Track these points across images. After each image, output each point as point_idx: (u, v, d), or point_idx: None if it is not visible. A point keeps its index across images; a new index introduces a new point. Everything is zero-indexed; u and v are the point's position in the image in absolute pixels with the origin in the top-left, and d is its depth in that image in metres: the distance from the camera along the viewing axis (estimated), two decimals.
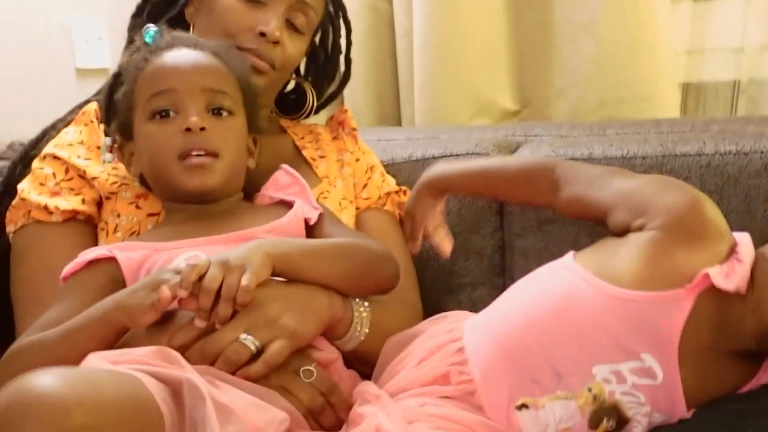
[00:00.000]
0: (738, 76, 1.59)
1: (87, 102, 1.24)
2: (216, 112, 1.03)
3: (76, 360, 0.81)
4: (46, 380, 0.68)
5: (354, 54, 1.74)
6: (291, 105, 1.34)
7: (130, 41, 1.15)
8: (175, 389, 0.76)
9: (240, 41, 1.13)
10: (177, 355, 0.83)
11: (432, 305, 1.29)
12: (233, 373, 0.86)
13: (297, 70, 1.31)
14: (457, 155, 1.32)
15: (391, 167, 1.35)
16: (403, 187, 1.31)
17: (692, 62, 1.64)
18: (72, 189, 1.12)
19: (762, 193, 1.11)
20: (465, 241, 1.32)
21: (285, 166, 1.14)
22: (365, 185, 1.26)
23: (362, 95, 1.82)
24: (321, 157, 1.26)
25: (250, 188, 1.14)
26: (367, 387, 0.94)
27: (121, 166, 1.11)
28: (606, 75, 1.58)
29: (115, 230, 1.09)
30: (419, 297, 1.23)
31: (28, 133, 1.26)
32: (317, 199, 1.13)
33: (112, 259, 0.99)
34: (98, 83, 1.16)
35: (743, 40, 1.57)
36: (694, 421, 0.85)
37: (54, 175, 1.12)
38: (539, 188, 1.09)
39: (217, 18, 1.15)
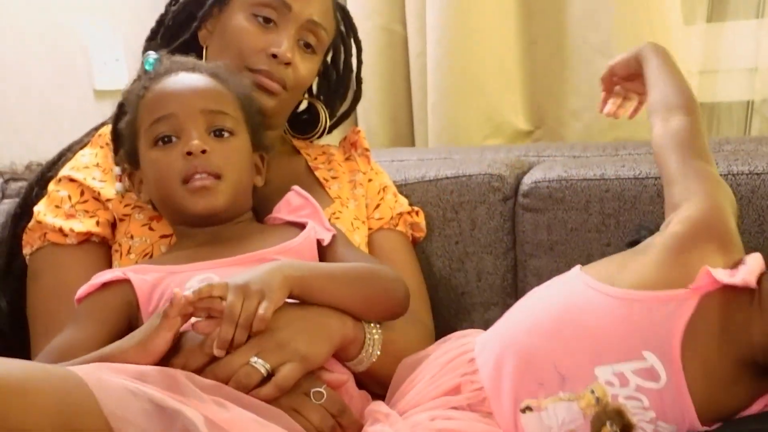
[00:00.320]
0: (751, 96, 1.58)
1: (103, 124, 1.25)
2: (217, 133, 1.04)
3: None
4: None
5: (368, 75, 1.76)
6: (304, 125, 1.35)
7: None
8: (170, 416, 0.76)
9: (252, 63, 1.15)
10: (182, 380, 0.82)
11: (445, 326, 1.29)
12: None
13: (309, 90, 1.32)
14: (469, 176, 1.33)
15: (404, 187, 1.36)
16: (416, 208, 1.32)
17: (706, 82, 1.63)
18: (87, 211, 1.13)
19: None
20: (478, 262, 1.32)
21: (296, 187, 1.15)
22: (378, 206, 1.27)
23: (376, 116, 1.83)
24: (333, 177, 1.27)
25: (262, 209, 1.15)
26: (379, 407, 0.94)
27: (134, 193, 1.12)
28: None
29: (129, 252, 1.10)
30: (431, 317, 1.23)
31: (47, 153, 1.28)
32: (329, 220, 1.14)
33: (126, 281, 1.00)
34: (116, 104, 1.18)
35: (756, 60, 1.57)
36: None
37: (69, 197, 1.14)
38: None
39: (229, 40, 1.16)
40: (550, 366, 0.87)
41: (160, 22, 1.25)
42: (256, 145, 1.10)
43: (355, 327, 0.99)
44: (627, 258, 0.94)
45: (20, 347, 1.09)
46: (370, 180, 1.29)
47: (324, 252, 1.08)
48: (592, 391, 0.85)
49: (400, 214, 1.28)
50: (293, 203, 1.13)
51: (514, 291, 1.31)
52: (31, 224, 1.14)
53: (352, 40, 1.32)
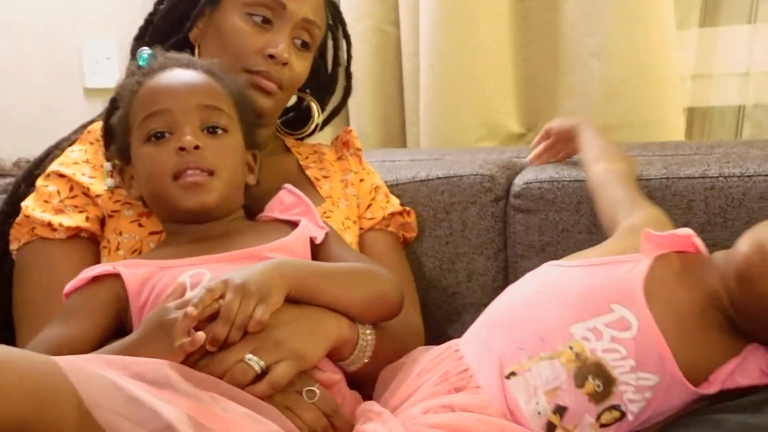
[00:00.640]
0: (743, 101, 1.59)
1: (92, 122, 1.24)
2: (211, 130, 1.04)
3: None
4: None
5: (360, 75, 1.77)
6: (294, 121, 1.34)
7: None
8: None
9: (249, 64, 1.14)
10: (175, 376, 0.82)
11: (435, 326, 1.29)
12: None
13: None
14: (461, 176, 1.33)
15: (395, 187, 1.35)
16: (407, 208, 1.32)
17: (698, 87, 1.64)
18: (76, 206, 1.12)
19: (765, 216, 1.10)
20: (468, 263, 1.32)
21: (288, 186, 1.14)
22: (369, 205, 1.27)
23: (368, 117, 1.83)
24: (325, 177, 1.27)
25: (254, 208, 1.14)
26: (371, 406, 0.93)
27: (124, 189, 1.11)
28: (613, 99, 1.58)
29: (117, 248, 1.09)
30: (421, 319, 1.23)
31: (36, 151, 1.27)
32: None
33: (116, 276, 0.99)
34: (107, 103, 1.17)
35: (749, 65, 1.58)
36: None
37: (58, 192, 1.13)
38: None
39: (224, 40, 1.16)
40: (530, 332, 0.92)
41: (149, 21, 1.24)
42: (249, 143, 1.10)
43: (350, 327, 0.98)
44: (588, 248, 1.04)
45: (5, 339, 1.08)
46: (361, 180, 1.29)
47: (317, 250, 1.07)
48: (571, 347, 0.89)
49: (392, 215, 1.28)
50: (286, 201, 1.13)
51: None
52: (19, 219, 1.13)
53: (341, 34, 1.32)
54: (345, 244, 1.13)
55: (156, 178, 1.02)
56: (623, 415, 0.87)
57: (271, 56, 1.14)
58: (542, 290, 0.97)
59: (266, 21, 1.16)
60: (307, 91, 1.30)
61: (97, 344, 0.93)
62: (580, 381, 0.87)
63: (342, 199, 1.25)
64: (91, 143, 1.19)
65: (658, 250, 0.95)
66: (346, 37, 1.33)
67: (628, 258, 0.95)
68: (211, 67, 1.08)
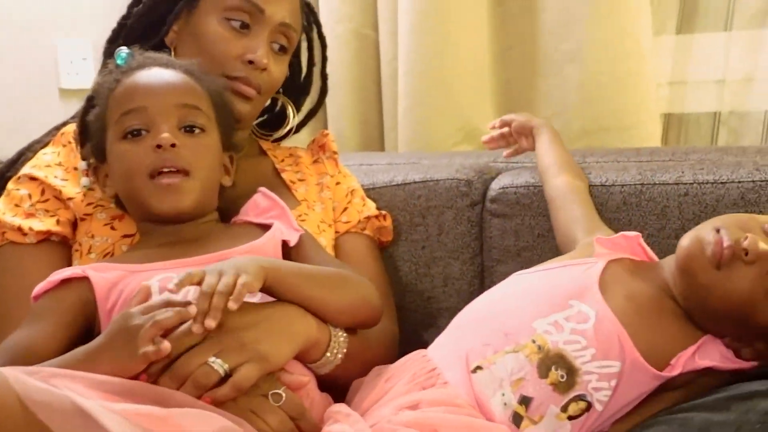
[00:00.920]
0: (719, 107, 1.60)
1: (65, 124, 1.23)
2: (188, 129, 1.03)
3: None
4: None
5: (340, 79, 1.77)
6: (270, 122, 1.34)
7: (105, 67, 1.15)
8: None
9: (228, 70, 1.14)
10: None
11: (411, 330, 1.29)
12: (200, 396, 0.85)
13: None
14: (437, 180, 1.33)
15: (372, 191, 1.35)
16: (383, 212, 1.31)
17: (674, 93, 1.65)
18: (47, 210, 1.11)
19: None
20: (444, 267, 1.32)
21: (263, 189, 1.13)
22: (345, 209, 1.26)
23: (346, 121, 1.82)
24: (300, 180, 1.26)
25: (229, 210, 1.13)
26: (339, 408, 0.93)
27: (98, 188, 1.10)
28: (590, 105, 1.59)
29: (89, 251, 1.08)
30: (396, 322, 1.23)
31: (10, 152, 1.26)
32: None
33: (84, 279, 0.98)
34: (83, 103, 1.16)
35: (724, 72, 1.59)
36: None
37: (29, 196, 1.12)
38: None
39: (202, 46, 1.15)
40: (495, 329, 0.95)
41: (122, 24, 1.23)
42: (226, 144, 1.09)
43: (320, 329, 0.98)
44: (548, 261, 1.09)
45: None
46: (337, 183, 1.29)
47: (291, 253, 1.07)
48: (533, 341, 0.92)
49: (368, 218, 1.28)
50: (261, 205, 1.12)
51: None
52: None
53: (317, 35, 1.32)
54: (320, 248, 1.12)
55: (131, 175, 1.01)
56: (590, 405, 0.90)
57: (250, 62, 1.14)
58: (506, 294, 1.02)
59: (244, 26, 1.15)
60: (280, 91, 1.28)
61: (63, 347, 0.92)
62: (543, 372, 0.90)
63: (317, 202, 1.24)
64: (64, 145, 1.18)
65: (612, 254, 1.01)
66: (322, 38, 1.33)
67: (584, 261, 1.01)
68: (190, 67, 1.08)
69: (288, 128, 1.32)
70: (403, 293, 1.33)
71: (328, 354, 0.98)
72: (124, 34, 1.21)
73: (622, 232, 1.06)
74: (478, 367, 0.92)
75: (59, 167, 1.15)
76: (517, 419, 0.90)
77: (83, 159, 1.12)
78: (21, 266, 1.09)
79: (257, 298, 0.98)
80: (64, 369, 0.82)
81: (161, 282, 0.95)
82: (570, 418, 0.90)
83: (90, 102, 1.10)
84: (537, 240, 1.25)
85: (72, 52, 1.74)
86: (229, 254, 1.00)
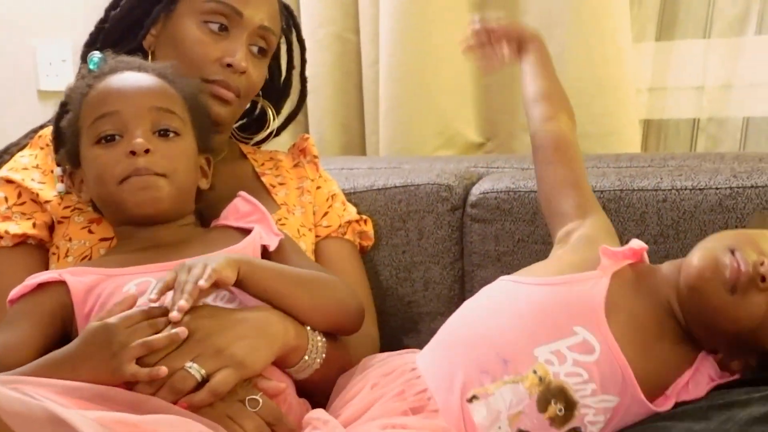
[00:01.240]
0: (698, 114, 1.61)
1: (42, 126, 1.22)
2: (163, 133, 1.02)
3: None
4: None
5: (321, 82, 1.76)
6: (249, 126, 1.34)
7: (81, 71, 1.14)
8: None
9: (207, 73, 1.13)
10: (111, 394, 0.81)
11: (391, 335, 1.29)
12: (176, 401, 0.85)
13: None
14: (418, 185, 1.33)
15: (352, 195, 1.35)
16: (364, 216, 1.31)
17: (654, 100, 1.66)
18: (24, 213, 1.10)
19: (717, 229, 1.12)
20: (425, 272, 1.32)
21: (243, 193, 1.13)
22: (326, 213, 1.26)
23: (328, 125, 1.82)
24: (281, 184, 1.26)
25: (208, 214, 1.13)
26: (318, 414, 0.92)
27: (74, 193, 1.09)
28: None
29: (66, 255, 1.07)
30: (377, 327, 1.23)
31: None
32: None
33: (61, 283, 0.97)
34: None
35: (703, 79, 1.60)
36: None
37: (6, 199, 1.11)
38: None
39: (180, 49, 1.14)
40: (491, 351, 0.90)
41: (100, 27, 1.22)
42: (202, 147, 1.09)
43: (298, 335, 0.97)
44: (542, 261, 1.03)
45: None
46: (318, 187, 1.28)
47: (270, 258, 1.06)
48: (534, 371, 0.87)
49: (348, 223, 1.27)
50: (241, 209, 1.12)
51: (461, 301, 1.27)
52: None
53: (296, 38, 1.31)
54: (301, 252, 1.12)
55: (105, 181, 1.00)
56: None
57: (229, 65, 1.14)
58: (501, 308, 0.95)
59: (222, 29, 1.14)
60: (260, 94, 1.28)
61: (39, 351, 0.92)
62: (542, 405, 0.87)
63: (298, 206, 1.24)
64: (42, 148, 1.17)
65: (615, 265, 0.95)
66: (301, 41, 1.32)
67: (587, 276, 0.94)
68: (164, 70, 1.07)
69: (268, 131, 1.32)
70: (384, 298, 1.33)
71: (306, 358, 0.97)
72: (101, 37, 1.20)
73: (630, 245, 0.98)
74: (474, 397, 0.88)
75: (36, 170, 1.14)
76: None
77: (58, 165, 1.11)
78: None
79: (235, 304, 0.98)
80: (35, 377, 0.81)
81: (139, 286, 0.95)
82: None
83: (63, 107, 1.09)
84: (517, 245, 1.25)
85: (51, 54, 1.72)
86: None
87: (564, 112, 1.14)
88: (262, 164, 1.29)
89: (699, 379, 0.92)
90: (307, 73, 1.36)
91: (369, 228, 1.32)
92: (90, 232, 1.09)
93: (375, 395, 0.93)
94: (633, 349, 0.89)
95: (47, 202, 1.11)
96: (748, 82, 1.56)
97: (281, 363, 0.96)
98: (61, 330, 0.97)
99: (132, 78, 1.05)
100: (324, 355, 0.99)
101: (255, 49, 1.18)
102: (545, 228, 1.23)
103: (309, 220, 1.24)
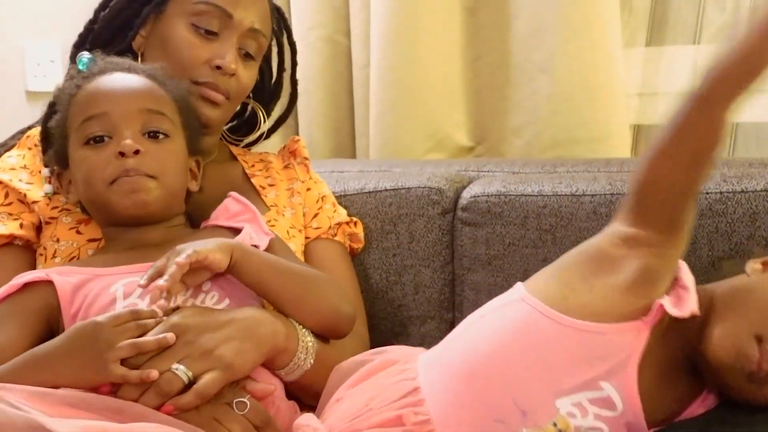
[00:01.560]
0: None
1: (30, 127, 1.21)
2: (152, 134, 1.02)
3: None
4: None
5: (311, 86, 1.76)
6: (240, 127, 1.33)
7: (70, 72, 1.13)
8: None
9: (196, 75, 1.13)
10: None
11: (381, 338, 1.28)
12: (163, 403, 0.84)
13: None
14: (409, 188, 1.32)
15: (342, 198, 1.34)
16: (354, 218, 1.31)
17: (644, 105, 1.66)
18: (10, 214, 1.09)
19: (706, 233, 1.13)
20: (415, 275, 1.31)
21: (233, 193, 1.12)
22: (316, 215, 1.25)
23: (318, 128, 1.81)
24: (270, 185, 1.25)
25: (198, 216, 1.12)
26: (308, 421, 0.91)
27: (62, 194, 1.09)
28: (560, 115, 1.59)
29: (54, 255, 1.06)
30: (366, 329, 1.23)
31: None
32: None
33: (48, 283, 0.97)
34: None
35: (693, 84, 1.60)
36: None
37: None
38: None
39: (170, 51, 1.14)
40: (509, 402, 0.85)
41: (89, 28, 1.21)
42: (192, 149, 1.08)
43: (288, 336, 0.97)
44: (571, 276, 0.92)
45: None
46: (308, 189, 1.28)
47: None
48: (555, 424, 0.84)
49: (339, 224, 1.27)
50: (231, 210, 1.11)
51: (452, 305, 1.31)
52: None
53: (287, 40, 1.31)
54: (291, 253, 1.12)
55: (94, 182, 0.99)
56: None
57: (218, 67, 1.13)
58: (521, 347, 0.88)
59: (212, 31, 1.14)
60: (250, 96, 1.27)
61: (25, 351, 0.90)
62: None
63: (288, 207, 1.23)
64: (30, 148, 1.16)
65: (659, 316, 0.87)
66: (292, 44, 1.32)
67: (628, 328, 0.86)
68: (153, 72, 1.06)
69: (259, 133, 1.31)
70: (374, 301, 1.32)
71: (296, 360, 0.97)
72: (91, 38, 1.19)
73: (688, 304, 0.87)
74: None
75: (24, 170, 1.13)
76: None
77: (46, 166, 1.10)
78: None
79: (224, 304, 0.97)
80: (18, 384, 0.80)
81: (126, 286, 0.94)
82: None
83: (52, 108, 1.08)
84: (507, 249, 1.25)
85: (40, 54, 1.72)
86: None
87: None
88: (252, 166, 1.28)
89: (708, 402, 0.90)
90: (298, 75, 1.36)
91: (359, 230, 1.31)
92: (78, 232, 1.08)
93: (369, 413, 0.89)
94: (651, 400, 0.85)
95: (35, 202, 1.10)
96: None
97: (270, 364, 0.95)
98: (48, 330, 0.96)
99: (121, 79, 1.04)
100: (314, 357, 0.98)
101: (245, 51, 1.17)
102: (536, 231, 1.23)
103: (299, 221, 1.23)
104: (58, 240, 1.07)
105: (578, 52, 1.56)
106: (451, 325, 1.30)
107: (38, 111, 1.25)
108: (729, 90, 0.88)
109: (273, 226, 1.17)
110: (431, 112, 1.69)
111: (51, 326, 0.96)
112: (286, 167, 1.30)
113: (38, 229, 1.10)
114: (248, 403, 0.89)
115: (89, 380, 0.84)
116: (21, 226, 1.08)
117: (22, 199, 1.10)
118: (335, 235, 1.26)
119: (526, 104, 1.64)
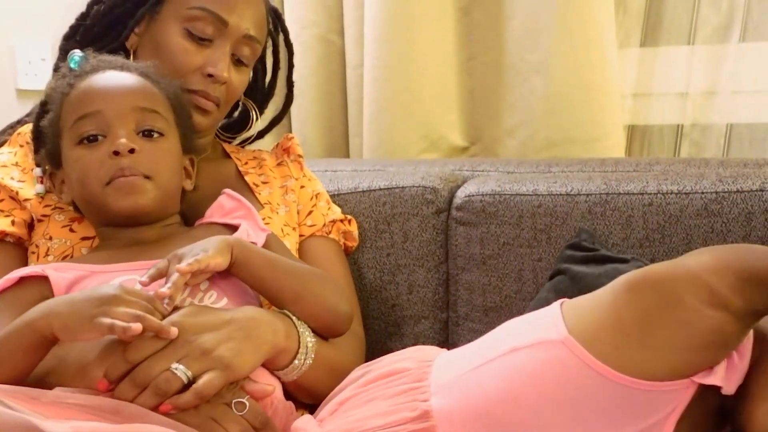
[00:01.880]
0: (682, 120, 1.62)
1: (19, 122, 1.20)
2: (146, 133, 1.01)
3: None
4: None
5: (304, 85, 1.75)
6: (233, 125, 1.32)
7: (59, 66, 1.12)
8: None
9: (187, 83, 1.12)
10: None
11: (375, 337, 1.28)
12: (161, 403, 0.83)
13: None
14: (403, 187, 1.32)
15: (336, 197, 1.34)
16: (349, 216, 1.30)
17: (638, 105, 1.67)
18: (2, 211, 1.08)
19: (702, 233, 1.13)
20: (409, 275, 1.31)
21: (228, 190, 1.11)
22: (310, 212, 1.25)
23: (311, 127, 1.81)
24: (264, 183, 1.24)
25: (193, 214, 1.12)
26: (305, 425, 0.90)
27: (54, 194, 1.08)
28: (555, 115, 1.59)
29: (47, 254, 1.05)
30: (362, 328, 1.22)
31: None
32: None
33: (44, 278, 0.95)
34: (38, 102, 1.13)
35: (687, 85, 1.61)
36: None
37: None
38: None
39: (162, 55, 1.12)
40: None
41: (81, 21, 1.19)
42: (186, 147, 1.07)
43: (288, 336, 0.96)
44: (628, 318, 0.80)
45: None
46: (302, 186, 1.27)
47: None
48: None
49: (333, 222, 1.26)
50: (226, 206, 1.10)
51: (446, 304, 1.30)
52: None
53: (283, 41, 1.30)
54: (287, 250, 1.11)
55: (89, 183, 0.98)
56: None
57: (210, 75, 1.12)
58: (561, 398, 0.80)
59: (206, 38, 1.13)
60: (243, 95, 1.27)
61: None
62: None
63: (281, 205, 1.23)
64: (21, 146, 1.15)
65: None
66: (288, 46, 1.31)
67: (673, 386, 0.78)
68: (147, 70, 1.05)
69: (251, 131, 1.30)
70: (368, 300, 1.32)
71: (297, 361, 0.96)
72: (81, 31, 1.18)
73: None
74: None
75: (16, 168, 1.12)
76: None
77: (37, 165, 1.09)
78: None
79: (222, 303, 0.96)
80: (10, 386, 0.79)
81: (124, 284, 0.92)
82: None
83: (43, 107, 1.07)
84: (502, 248, 1.25)
85: (30, 53, 1.70)
86: None
87: None
88: (246, 163, 1.27)
89: None
90: (293, 76, 1.35)
91: (353, 228, 1.30)
92: (71, 230, 1.07)
93: (373, 425, 0.85)
94: None
95: (27, 200, 1.08)
96: (732, 88, 1.57)
97: (270, 365, 0.94)
98: None
99: (115, 77, 1.03)
100: (313, 357, 0.97)
101: (238, 57, 1.16)
102: (530, 231, 1.23)
103: (293, 219, 1.23)
104: (50, 238, 1.06)
105: (573, 53, 1.56)
106: (446, 324, 1.30)
107: (29, 109, 1.25)
108: None
109: (267, 224, 1.16)
110: (425, 113, 1.69)
111: None
112: (279, 165, 1.29)
113: (30, 226, 1.09)
114: (247, 403, 0.88)
115: (80, 326, 0.83)
116: (12, 223, 1.07)
117: (14, 196, 1.09)
118: (330, 232, 1.25)
119: (520, 105, 1.63)
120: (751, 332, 0.81)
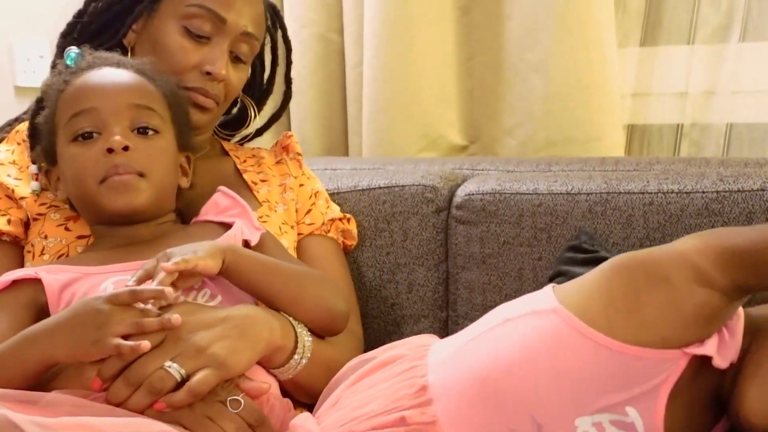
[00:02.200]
0: (681, 119, 1.61)
1: (17, 120, 1.20)
2: (142, 130, 1.00)
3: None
4: None
5: (304, 84, 1.75)
6: (231, 122, 1.32)
7: (57, 63, 1.12)
8: None
9: (185, 81, 1.11)
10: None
11: (374, 336, 1.28)
12: (155, 401, 0.83)
13: None
14: (403, 186, 1.31)
15: (336, 196, 1.33)
16: (348, 215, 1.30)
17: (637, 105, 1.66)
18: None
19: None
20: (409, 273, 1.30)
21: (223, 188, 1.11)
22: (309, 211, 1.24)
23: (311, 125, 1.81)
24: (263, 181, 1.24)
25: (189, 211, 1.11)
26: (303, 422, 0.90)
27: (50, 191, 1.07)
28: (554, 115, 1.59)
29: (42, 252, 1.05)
30: (361, 327, 1.21)
31: None
32: None
33: (37, 281, 0.95)
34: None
35: (687, 85, 1.60)
36: None
37: None
38: None
39: (160, 53, 1.12)
40: (526, 415, 0.81)
41: (79, 18, 1.19)
42: (182, 145, 1.07)
43: (284, 335, 0.95)
44: (617, 291, 0.83)
45: None
46: (301, 185, 1.26)
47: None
48: None
49: (332, 220, 1.26)
50: (221, 204, 1.10)
51: (446, 303, 1.30)
52: None
53: (281, 38, 1.30)
54: (282, 248, 1.11)
55: (83, 180, 0.98)
56: None
57: (208, 72, 1.12)
58: (548, 360, 0.82)
59: (204, 35, 1.12)
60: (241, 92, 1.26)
61: None
62: None
63: (280, 203, 1.22)
64: (19, 143, 1.15)
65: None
66: (287, 42, 1.30)
67: (666, 356, 0.80)
68: (143, 67, 1.05)
69: (250, 129, 1.30)
70: (367, 299, 1.31)
71: (293, 360, 0.96)
72: (79, 28, 1.18)
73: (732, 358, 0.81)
74: None
75: (13, 166, 1.12)
76: None
77: (33, 162, 1.09)
78: None
79: (216, 302, 0.96)
80: (14, 357, 0.81)
81: (116, 284, 0.93)
82: None
83: (39, 103, 1.07)
84: (502, 247, 1.24)
85: (29, 50, 1.70)
86: None
87: None
88: (244, 161, 1.27)
89: (727, 426, 0.86)
90: (291, 74, 1.35)
91: (353, 227, 1.30)
92: (67, 229, 1.07)
93: (371, 411, 0.86)
94: (673, 430, 0.81)
95: (23, 198, 1.08)
96: (732, 88, 1.56)
97: (266, 363, 0.94)
98: None
99: (110, 74, 1.03)
100: (309, 355, 0.97)
101: (236, 54, 1.16)
102: (530, 230, 1.22)
103: (291, 217, 1.22)
104: (46, 237, 1.06)
105: (572, 52, 1.56)
106: (445, 323, 1.30)
107: (27, 106, 1.24)
108: None
109: (265, 222, 1.15)
110: (424, 112, 1.68)
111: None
112: (278, 163, 1.29)
113: (26, 225, 1.09)
114: (242, 401, 0.87)
115: (85, 352, 0.84)
116: (9, 222, 1.07)
117: (10, 195, 1.08)
118: (328, 231, 1.25)
119: (519, 104, 1.63)
120: (741, 313, 0.84)
